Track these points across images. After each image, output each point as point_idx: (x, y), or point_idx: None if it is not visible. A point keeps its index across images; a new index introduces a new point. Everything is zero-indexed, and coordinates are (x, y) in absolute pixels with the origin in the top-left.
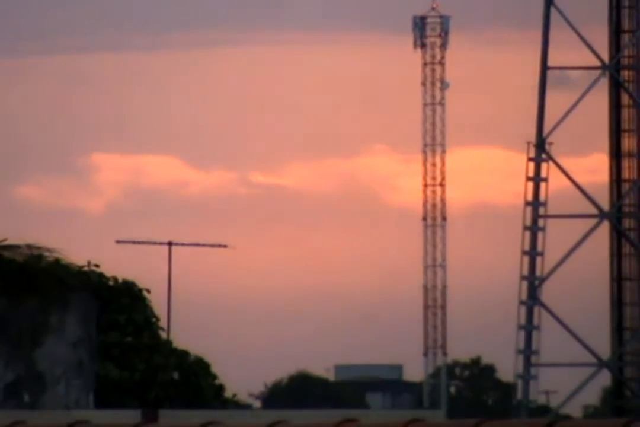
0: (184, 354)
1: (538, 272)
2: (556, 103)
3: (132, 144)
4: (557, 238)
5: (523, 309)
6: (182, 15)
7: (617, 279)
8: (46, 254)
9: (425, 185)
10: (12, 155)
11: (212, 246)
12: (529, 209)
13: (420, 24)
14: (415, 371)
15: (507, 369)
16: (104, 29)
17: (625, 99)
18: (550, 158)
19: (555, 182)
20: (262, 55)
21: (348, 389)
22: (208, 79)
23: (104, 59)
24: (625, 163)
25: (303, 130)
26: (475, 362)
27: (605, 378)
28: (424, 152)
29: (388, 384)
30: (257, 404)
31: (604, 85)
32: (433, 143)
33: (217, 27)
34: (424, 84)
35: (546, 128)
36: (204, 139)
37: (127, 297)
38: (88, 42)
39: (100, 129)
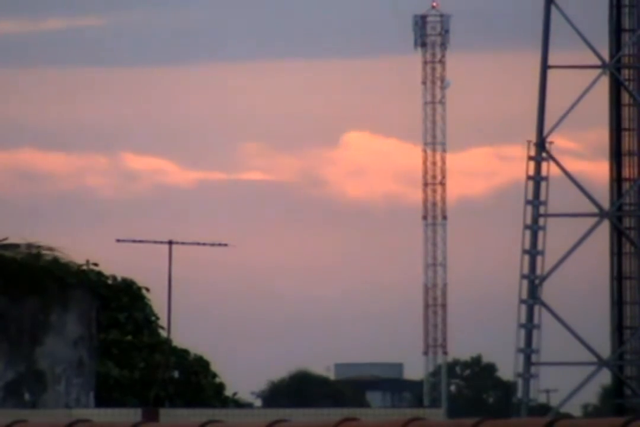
0: (184, 352)
1: (538, 271)
2: (557, 102)
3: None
4: (557, 237)
5: (523, 308)
6: None
7: (618, 277)
8: (45, 252)
9: (426, 184)
10: None
11: (213, 244)
12: (529, 207)
13: (420, 23)
14: (415, 370)
15: (507, 367)
16: None
17: (625, 97)
18: (550, 157)
19: (555, 181)
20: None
21: (348, 388)
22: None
23: None
24: (625, 162)
25: (301, 127)
26: (476, 360)
27: (605, 377)
28: (425, 151)
29: (388, 382)
30: (257, 402)
31: (604, 84)
32: (434, 142)
33: None
34: (424, 82)
35: (546, 127)
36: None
37: (127, 296)
38: None
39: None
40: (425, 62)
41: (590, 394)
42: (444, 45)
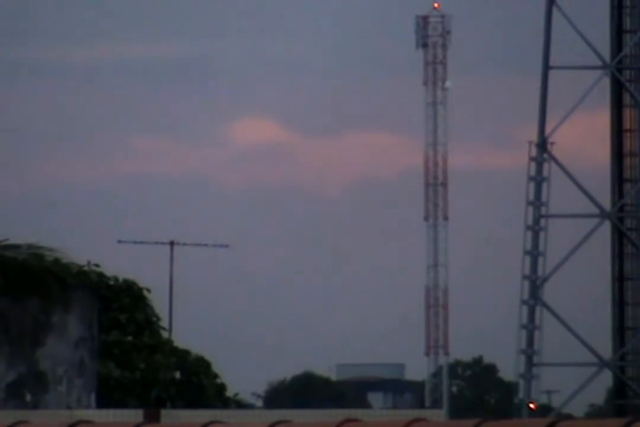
0: (185, 353)
1: (540, 272)
2: (558, 103)
3: None
4: (558, 238)
5: (525, 309)
6: None
7: (619, 278)
8: (46, 253)
9: (427, 185)
10: None
11: (214, 245)
12: (530, 208)
13: (422, 24)
14: (417, 371)
15: (508, 368)
16: None
17: (626, 98)
18: (551, 158)
19: (556, 182)
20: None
21: (350, 389)
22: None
23: None
24: (626, 162)
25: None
26: (477, 361)
27: (607, 378)
28: (426, 151)
29: (390, 383)
30: (259, 403)
31: (605, 85)
32: (435, 142)
33: None
34: (425, 83)
35: (548, 127)
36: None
37: (128, 297)
38: None
39: None
40: (426, 63)
41: (594, 395)
42: (445, 46)
